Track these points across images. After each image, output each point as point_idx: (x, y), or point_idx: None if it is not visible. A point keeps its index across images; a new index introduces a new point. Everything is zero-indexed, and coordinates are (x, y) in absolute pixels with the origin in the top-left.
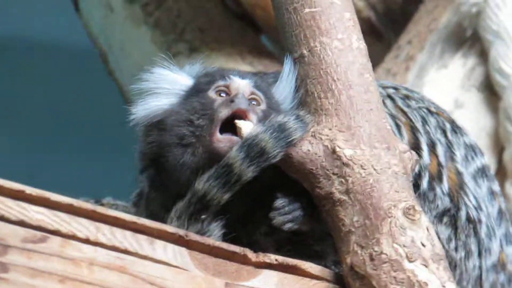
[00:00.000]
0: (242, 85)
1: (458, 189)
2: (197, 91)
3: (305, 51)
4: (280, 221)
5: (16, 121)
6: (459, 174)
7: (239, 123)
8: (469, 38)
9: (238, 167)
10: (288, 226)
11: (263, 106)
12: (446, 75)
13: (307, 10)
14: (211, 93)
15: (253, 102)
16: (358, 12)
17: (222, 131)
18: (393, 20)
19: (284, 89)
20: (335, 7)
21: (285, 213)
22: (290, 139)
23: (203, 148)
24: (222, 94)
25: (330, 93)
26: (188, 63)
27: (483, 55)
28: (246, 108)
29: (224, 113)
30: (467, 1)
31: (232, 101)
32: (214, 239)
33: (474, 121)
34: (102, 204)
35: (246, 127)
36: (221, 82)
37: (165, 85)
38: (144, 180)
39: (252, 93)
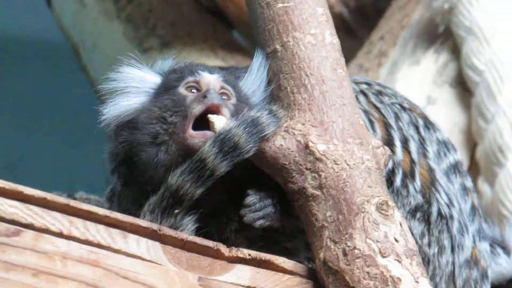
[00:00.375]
0: (212, 80)
1: (430, 186)
2: (167, 88)
3: (278, 46)
4: (251, 218)
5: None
6: (431, 170)
7: (212, 117)
8: (442, 34)
9: (211, 162)
10: (259, 223)
11: (233, 100)
12: (418, 71)
13: (280, 5)
14: (182, 90)
15: (223, 97)
16: (330, 7)
17: (194, 127)
18: (365, 16)
19: (253, 82)
20: (308, 2)
21: (256, 210)
22: (263, 134)
23: (177, 145)
24: (193, 90)
25: (303, 88)
26: (161, 59)
27: (456, 51)
28: (219, 103)
29: (197, 109)
30: None
31: (204, 96)
32: (187, 233)
33: (446, 117)
34: (75, 198)
35: (220, 121)
36: (190, 78)
37: (134, 84)
38: (116, 180)
39: (222, 88)
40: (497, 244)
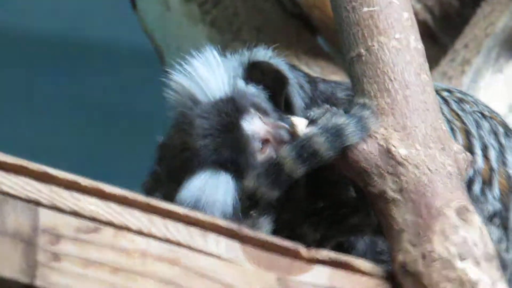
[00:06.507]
0: (257, 130)
1: (508, 193)
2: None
3: (362, 50)
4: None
5: (78, 116)
6: (509, 178)
7: (295, 120)
8: None
9: (289, 166)
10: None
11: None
12: (501, 79)
13: (365, 9)
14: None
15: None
16: (415, 14)
17: None
18: (450, 23)
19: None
20: (393, 6)
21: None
22: (346, 144)
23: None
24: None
25: (387, 93)
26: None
27: None
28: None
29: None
30: None
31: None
32: (265, 233)
33: None
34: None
35: (303, 125)
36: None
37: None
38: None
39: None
40: None
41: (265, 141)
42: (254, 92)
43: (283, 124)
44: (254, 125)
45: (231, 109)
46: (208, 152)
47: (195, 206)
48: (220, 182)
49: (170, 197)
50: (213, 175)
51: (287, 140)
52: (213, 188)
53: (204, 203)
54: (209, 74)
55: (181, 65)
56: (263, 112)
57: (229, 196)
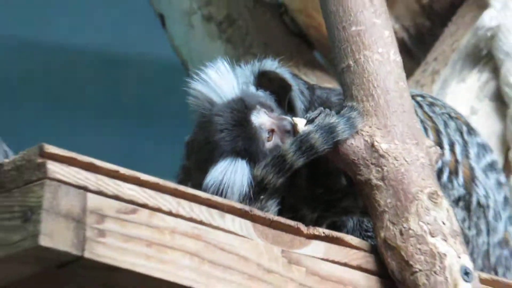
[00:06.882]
0: (264, 122)
1: (470, 181)
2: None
3: (351, 62)
4: None
5: (117, 119)
6: (472, 169)
7: (296, 120)
8: (484, 57)
9: (290, 157)
10: None
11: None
12: (464, 87)
13: (353, 28)
14: (263, 135)
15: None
16: (394, 33)
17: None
18: (422, 41)
19: None
20: (376, 26)
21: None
22: (337, 139)
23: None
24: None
25: (371, 97)
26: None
27: (495, 71)
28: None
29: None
30: (483, 26)
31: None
32: (271, 214)
33: (486, 125)
34: None
35: (302, 123)
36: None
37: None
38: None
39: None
40: None
41: (271, 131)
42: (262, 94)
43: (285, 116)
44: (261, 118)
45: (241, 107)
46: (226, 143)
47: (219, 187)
48: (238, 167)
49: (199, 185)
50: (231, 162)
51: (289, 129)
52: (232, 172)
53: (226, 184)
54: (221, 80)
55: (199, 75)
56: (268, 108)
57: (245, 178)
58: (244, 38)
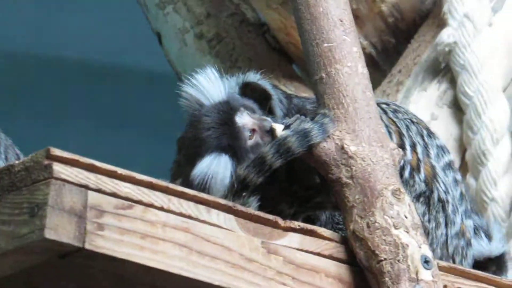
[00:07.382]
0: (246, 122)
1: (431, 178)
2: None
3: (323, 75)
4: None
5: (115, 122)
6: (432, 167)
7: (275, 125)
8: (443, 69)
9: (270, 159)
10: None
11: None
12: (425, 96)
13: (325, 44)
14: (246, 134)
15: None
16: (362, 49)
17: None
18: (388, 55)
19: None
20: (346, 42)
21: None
22: (311, 142)
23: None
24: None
25: (341, 106)
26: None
27: (453, 82)
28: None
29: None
30: (442, 42)
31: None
32: (252, 209)
33: (445, 129)
34: None
35: (280, 129)
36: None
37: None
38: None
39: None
40: (482, 230)
41: (252, 131)
42: (246, 99)
43: (265, 117)
44: (244, 119)
45: (226, 108)
46: (212, 140)
47: (204, 178)
48: (221, 161)
49: (189, 177)
50: (216, 157)
51: (269, 129)
52: (217, 166)
53: (210, 176)
54: (210, 85)
55: (189, 80)
56: (251, 110)
57: (228, 171)
58: (231, 53)
